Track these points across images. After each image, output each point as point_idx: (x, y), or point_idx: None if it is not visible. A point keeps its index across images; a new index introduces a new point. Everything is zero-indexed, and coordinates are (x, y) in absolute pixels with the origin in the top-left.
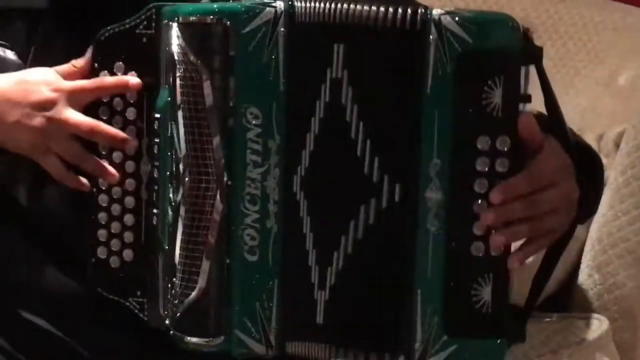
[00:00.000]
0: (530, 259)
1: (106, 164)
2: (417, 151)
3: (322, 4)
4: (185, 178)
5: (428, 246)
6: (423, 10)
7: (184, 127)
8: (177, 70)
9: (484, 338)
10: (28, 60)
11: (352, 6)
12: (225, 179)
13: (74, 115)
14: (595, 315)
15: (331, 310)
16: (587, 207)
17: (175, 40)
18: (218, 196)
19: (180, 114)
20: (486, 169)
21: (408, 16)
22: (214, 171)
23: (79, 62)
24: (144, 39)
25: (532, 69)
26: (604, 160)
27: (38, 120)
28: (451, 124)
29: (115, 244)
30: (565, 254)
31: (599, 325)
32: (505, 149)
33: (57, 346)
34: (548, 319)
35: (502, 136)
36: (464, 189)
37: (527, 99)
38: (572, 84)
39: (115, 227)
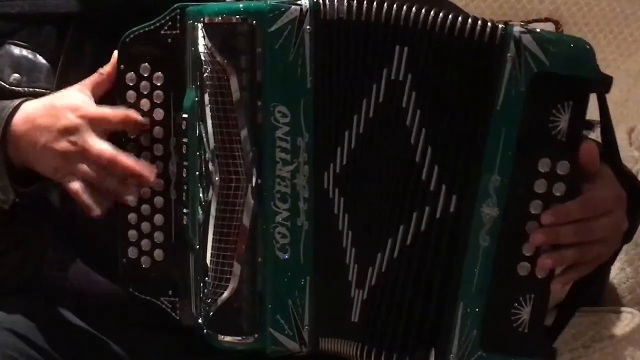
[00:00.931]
0: None
1: (126, 185)
2: (479, 166)
3: (348, 2)
4: (215, 177)
5: (477, 261)
6: (503, 26)
7: (212, 127)
8: (204, 71)
9: (517, 356)
10: (59, 64)
11: (394, 6)
12: (254, 177)
13: (96, 144)
14: (627, 309)
15: (368, 310)
16: (629, 235)
17: (201, 41)
18: (248, 195)
19: (208, 114)
20: (543, 191)
21: (488, 29)
22: (243, 170)
23: (106, 69)
24: (169, 40)
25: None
26: (635, 154)
27: (62, 145)
28: (516, 143)
29: (145, 244)
30: None
31: (631, 319)
32: (565, 173)
33: (93, 346)
34: (580, 314)
35: (563, 160)
36: (520, 208)
37: (591, 126)
38: None
39: (145, 227)
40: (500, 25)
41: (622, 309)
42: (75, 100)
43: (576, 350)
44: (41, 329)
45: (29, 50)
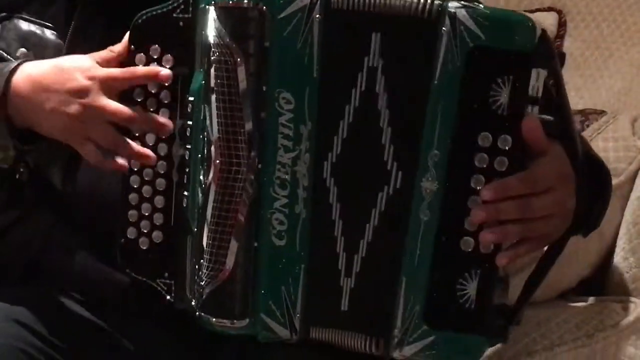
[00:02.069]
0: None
1: (142, 148)
2: (419, 141)
3: None
4: (217, 160)
5: (418, 235)
6: (440, 2)
7: (216, 110)
8: (212, 54)
9: (464, 332)
10: (66, 40)
11: None
12: (255, 162)
13: (111, 103)
14: (631, 298)
15: (355, 297)
16: (590, 220)
17: (211, 24)
18: (248, 179)
19: (213, 97)
20: (484, 166)
21: (427, 5)
22: (245, 154)
23: (117, 48)
24: (181, 23)
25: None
26: (638, 143)
27: (75, 108)
28: (454, 118)
29: (145, 225)
30: (599, 237)
31: (634, 308)
32: (506, 148)
33: (98, 336)
34: (583, 303)
35: (504, 135)
36: (460, 183)
37: (536, 101)
38: (606, 66)
39: (145, 208)
40: (436, 1)
41: (625, 298)
42: (83, 62)
43: (579, 339)
44: (46, 320)
45: (37, 26)
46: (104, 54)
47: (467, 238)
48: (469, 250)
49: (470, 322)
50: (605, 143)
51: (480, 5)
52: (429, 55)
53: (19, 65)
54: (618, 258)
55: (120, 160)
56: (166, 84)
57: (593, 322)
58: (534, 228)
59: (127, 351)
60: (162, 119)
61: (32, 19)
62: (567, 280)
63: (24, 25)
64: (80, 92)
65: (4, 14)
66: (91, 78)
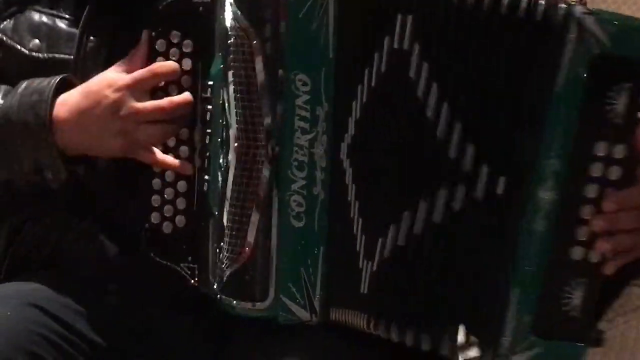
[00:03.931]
0: None
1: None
2: (537, 149)
3: None
4: (235, 144)
5: (532, 246)
6: (565, 6)
7: (234, 94)
8: (230, 38)
9: (568, 340)
10: (78, 29)
11: None
12: (273, 144)
13: (145, 105)
14: None
15: (379, 282)
16: None
17: (228, 8)
18: (266, 162)
19: (231, 80)
20: (599, 175)
21: (547, 8)
22: (262, 137)
23: (136, 53)
24: (200, 8)
25: None
26: None
27: (117, 125)
28: (575, 126)
29: (168, 210)
30: None
31: None
32: (621, 157)
33: (110, 315)
34: None
35: (619, 144)
36: (576, 192)
37: None
38: None
39: (168, 193)
40: (560, 5)
41: None
42: (109, 77)
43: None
44: (64, 304)
45: (49, 16)
46: (126, 62)
47: (578, 247)
48: (578, 259)
49: (574, 330)
50: None
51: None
52: (550, 61)
53: (54, 99)
54: None
55: (189, 170)
56: (187, 69)
57: (614, 306)
58: None
59: (146, 334)
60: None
61: (44, 10)
62: None
63: (36, 17)
64: (115, 107)
65: (14, 7)
66: (119, 89)
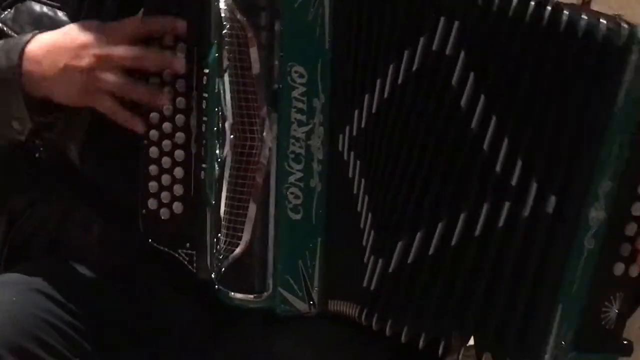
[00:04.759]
0: None
1: (156, 89)
2: (591, 170)
3: None
4: (230, 136)
5: (580, 263)
6: (627, 26)
7: (229, 85)
8: (224, 28)
9: (603, 352)
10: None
11: None
12: (269, 137)
13: (119, 47)
14: None
15: (391, 281)
16: None
17: None
18: (262, 154)
19: (226, 71)
20: None
21: (612, 29)
22: (258, 129)
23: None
24: None
25: None
26: None
27: (85, 60)
28: (631, 146)
29: (165, 196)
30: None
31: None
32: None
33: (112, 300)
34: None
35: None
36: (623, 210)
37: None
38: None
39: (165, 179)
40: (623, 25)
41: None
42: (92, 22)
43: None
44: (68, 290)
45: (50, 7)
46: (113, 23)
47: (620, 263)
48: (619, 274)
49: (609, 342)
50: None
51: None
52: (610, 82)
53: (34, 35)
54: None
55: (140, 127)
56: (181, 54)
57: None
58: None
59: (147, 318)
60: (172, 58)
61: (45, 0)
62: None
63: (37, 7)
64: (91, 44)
65: None
66: (99, 31)
